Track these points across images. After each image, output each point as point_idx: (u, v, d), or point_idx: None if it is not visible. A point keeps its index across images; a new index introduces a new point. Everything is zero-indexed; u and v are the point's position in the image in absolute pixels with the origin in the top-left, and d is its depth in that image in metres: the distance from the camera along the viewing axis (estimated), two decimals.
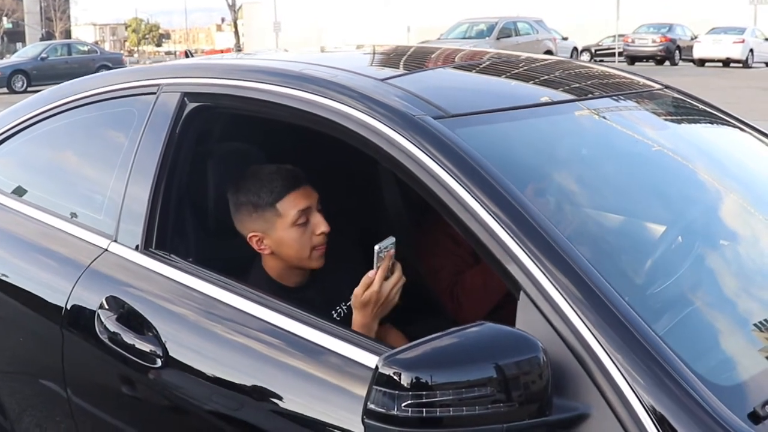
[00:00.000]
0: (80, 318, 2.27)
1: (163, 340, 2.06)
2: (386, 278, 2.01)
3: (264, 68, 2.34)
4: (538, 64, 2.82)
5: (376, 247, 1.97)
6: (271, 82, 2.17)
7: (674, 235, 2.06)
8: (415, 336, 2.00)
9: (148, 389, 2.16)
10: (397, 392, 1.43)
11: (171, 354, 2.05)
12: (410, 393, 1.42)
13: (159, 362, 2.05)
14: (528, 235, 1.65)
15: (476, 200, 1.71)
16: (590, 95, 2.45)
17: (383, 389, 1.44)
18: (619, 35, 34.35)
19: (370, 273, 2.00)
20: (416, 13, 42.94)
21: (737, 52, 30.59)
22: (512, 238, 1.66)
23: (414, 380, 1.43)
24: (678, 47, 32.94)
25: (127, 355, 2.11)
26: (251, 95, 2.19)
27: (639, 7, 37.90)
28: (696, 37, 33.07)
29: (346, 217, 2.66)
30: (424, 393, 1.42)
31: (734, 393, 1.55)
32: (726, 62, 30.87)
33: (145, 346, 2.08)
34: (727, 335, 1.81)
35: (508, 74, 2.61)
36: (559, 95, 2.38)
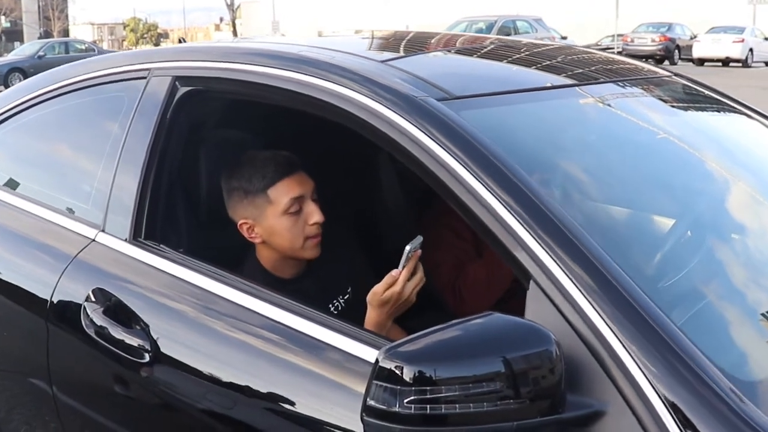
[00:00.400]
0: (66, 311, 2.17)
1: (153, 334, 1.97)
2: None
3: (259, 51, 2.24)
4: (541, 49, 2.73)
5: (408, 247, 1.87)
6: (267, 64, 2.07)
7: (687, 225, 1.96)
8: (415, 332, 1.92)
9: (137, 386, 2.06)
10: (398, 387, 1.33)
11: (161, 349, 1.95)
12: (413, 388, 1.32)
13: (148, 357, 1.95)
14: (538, 221, 1.55)
15: (483, 185, 1.61)
16: (598, 80, 2.35)
17: (384, 384, 1.34)
18: (618, 34, 34.25)
19: (394, 272, 1.89)
20: (415, 11, 42.94)
21: (737, 52, 30.50)
22: (521, 224, 1.56)
23: (417, 374, 1.33)
24: (677, 46, 32.85)
25: (114, 350, 2.01)
26: (246, 78, 2.10)
27: (638, 7, 37.84)
28: (695, 37, 32.98)
29: (343, 207, 2.56)
30: (428, 389, 1.32)
31: (758, 388, 1.45)
32: (725, 61, 30.78)
33: (134, 341, 1.98)
34: (747, 328, 1.71)
35: (512, 59, 2.51)
36: (566, 80, 2.29)
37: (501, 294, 2.51)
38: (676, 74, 2.59)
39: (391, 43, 2.82)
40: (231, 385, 1.85)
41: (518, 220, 1.56)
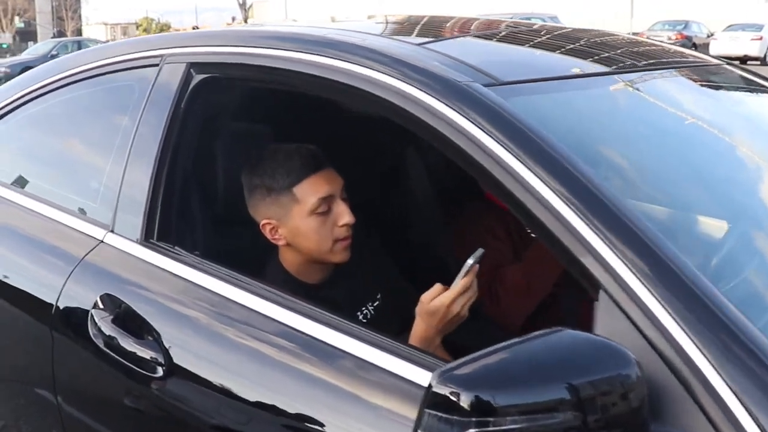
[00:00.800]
0: (72, 318, 1.99)
1: (166, 345, 1.78)
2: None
3: (281, 34, 2.04)
4: (582, 34, 2.52)
5: (470, 261, 1.70)
6: (290, 48, 1.88)
7: (750, 225, 1.76)
8: (448, 338, 1.79)
9: (148, 401, 1.87)
10: (455, 417, 1.13)
11: (174, 361, 1.77)
12: (473, 419, 1.12)
13: (160, 371, 1.76)
14: (608, 223, 1.35)
15: (542, 181, 1.41)
16: (652, 66, 2.15)
17: (438, 413, 1.14)
18: (634, 33, 33.94)
19: (445, 287, 1.72)
20: (426, 9, 42.65)
21: (755, 49, 30.14)
22: (588, 225, 1.36)
23: (475, 402, 1.13)
24: (694, 44, 32.44)
25: (124, 362, 1.83)
26: (267, 63, 1.91)
27: (653, 4, 37.55)
28: (712, 35, 32.64)
29: (371, 206, 2.37)
30: (490, 420, 1.12)
31: None
32: (743, 59, 30.37)
33: (145, 353, 1.80)
34: None
35: (555, 44, 2.30)
36: (621, 67, 2.08)
37: (542, 298, 2.36)
38: (728, 62, 2.39)
39: (421, 26, 2.61)
40: (249, 401, 1.67)
41: (585, 221, 1.36)
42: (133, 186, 2.01)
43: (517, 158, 1.45)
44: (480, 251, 1.73)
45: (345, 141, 2.34)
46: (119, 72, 2.22)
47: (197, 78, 2.01)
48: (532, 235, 2.47)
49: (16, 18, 64.09)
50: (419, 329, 1.76)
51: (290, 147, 2.00)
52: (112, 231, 2.02)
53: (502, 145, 1.47)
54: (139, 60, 2.18)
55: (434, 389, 1.15)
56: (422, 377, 1.39)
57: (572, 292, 2.37)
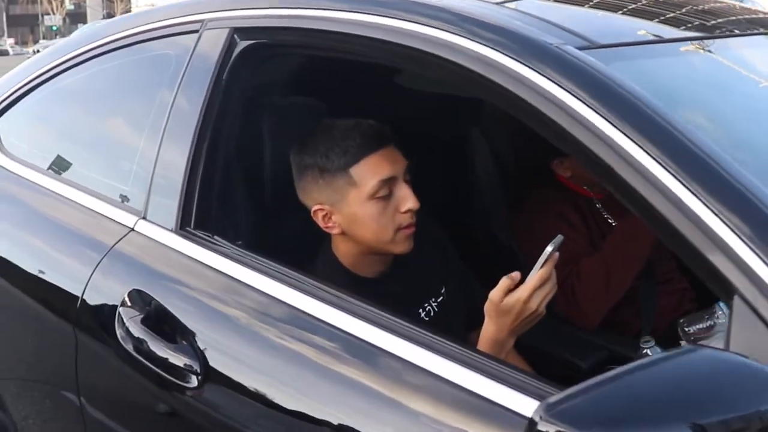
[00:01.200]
0: (98, 316, 1.77)
1: (202, 349, 1.56)
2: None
3: None
4: None
5: (549, 248, 1.50)
6: (348, 8, 1.64)
7: None
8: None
9: (179, 412, 1.65)
10: None
11: (212, 367, 1.54)
12: None
13: (194, 381, 1.54)
14: (744, 214, 1.09)
15: (662, 166, 1.16)
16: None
17: None
18: None
19: (514, 275, 1.51)
20: None
21: None
22: (718, 215, 1.10)
23: None
24: None
25: (155, 369, 1.60)
26: (321, 27, 1.67)
27: None
28: None
29: (431, 190, 2.12)
30: None
31: None
32: None
33: (178, 359, 1.57)
34: None
35: (643, 6, 2.02)
36: (726, 30, 1.80)
37: (622, 295, 2.12)
38: None
39: None
40: (298, 413, 1.45)
41: (713, 210, 1.10)
42: (168, 168, 1.79)
43: (628, 137, 1.19)
44: (560, 237, 1.53)
45: (405, 118, 2.10)
46: (154, 40, 1.99)
47: (241, 45, 1.77)
48: (610, 221, 2.25)
49: (66, 0, 64.89)
50: (489, 332, 1.55)
51: (347, 122, 1.76)
52: (144, 218, 1.80)
53: (607, 120, 1.21)
54: (176, 26, 1.95)
55: (540, 427, 0.91)
56: (503, 393, 1.19)
57: (650, 285, 2.15)
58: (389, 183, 1.71)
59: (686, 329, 2.02)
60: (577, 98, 1.26)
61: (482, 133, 2.32)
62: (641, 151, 1.18)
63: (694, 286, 2.22)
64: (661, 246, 2.18)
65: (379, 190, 1.69)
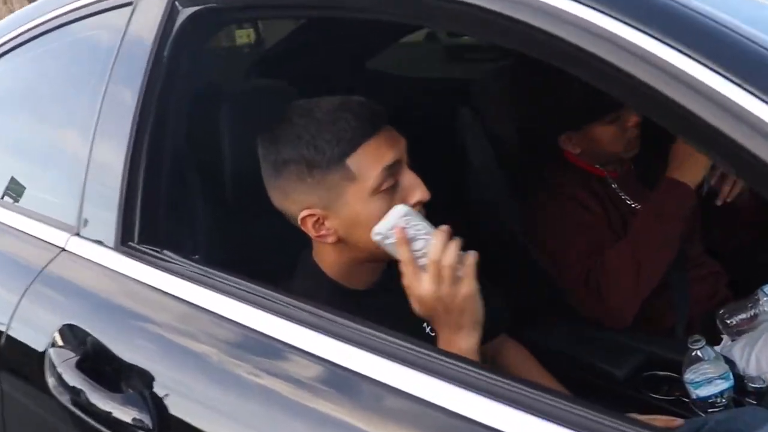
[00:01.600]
0: (25, 362, 1.45)
1: (154, 397, 1.24)
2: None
3: None
4: None
5: (376, 229, 1.33)
6: None
7: None
8: (536, 343, 1.59)
9: None
10: None
11: (168, 418, 1.23)
12: None
13: None
14: None
15: None
16: None
17: None
18: None
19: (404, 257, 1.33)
20: None
21: None
22: None
23: None
24: None
25: (97, 426, 1.27)
26: None
27: None
28: None
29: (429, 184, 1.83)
30: None
31: None
32: None
33: (125, 413, 1.25)
34: None
35: None
36: None
37: (655, 285, 1.89)
38: None
39: None
40: None
41: None
42: (102, 171, 1.50)
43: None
44: (400, 207, 1.34)
45: (385, 104, 1.80)
46: (80, 20, 1.69)
47: (185, 13, 1.46)
48: (629, 202, 1.99)
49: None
50: (444, 339, 1.34)
51: (331, 100, 1.42)
52: (77, 234, 1.50)
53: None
54: (105, 1, 1.63)
55: None
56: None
57: (682, 272, 1.93)
58: (393, 171, 1.37)
59: (727, 321, 1.83)
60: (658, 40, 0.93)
61: (474, 114, 2.03)
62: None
63: (727, 269, 2.00)
64: (690, 225, 1.91)
65: (384, 182, 1.35)
